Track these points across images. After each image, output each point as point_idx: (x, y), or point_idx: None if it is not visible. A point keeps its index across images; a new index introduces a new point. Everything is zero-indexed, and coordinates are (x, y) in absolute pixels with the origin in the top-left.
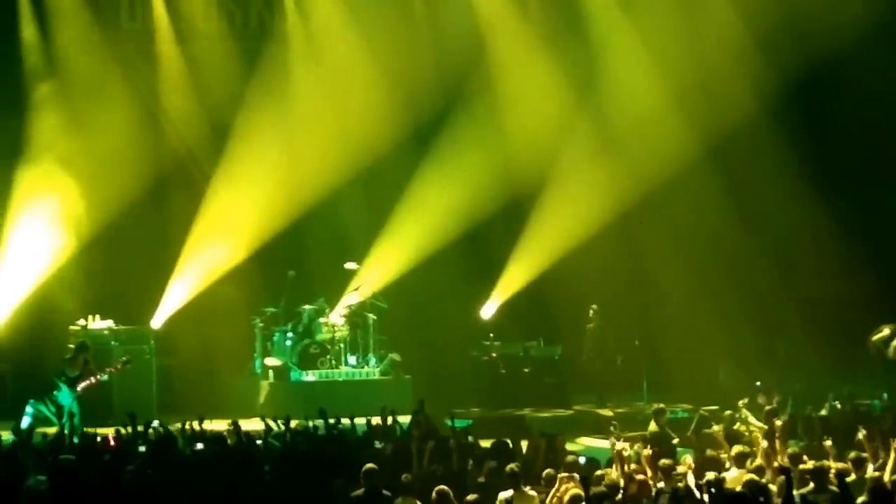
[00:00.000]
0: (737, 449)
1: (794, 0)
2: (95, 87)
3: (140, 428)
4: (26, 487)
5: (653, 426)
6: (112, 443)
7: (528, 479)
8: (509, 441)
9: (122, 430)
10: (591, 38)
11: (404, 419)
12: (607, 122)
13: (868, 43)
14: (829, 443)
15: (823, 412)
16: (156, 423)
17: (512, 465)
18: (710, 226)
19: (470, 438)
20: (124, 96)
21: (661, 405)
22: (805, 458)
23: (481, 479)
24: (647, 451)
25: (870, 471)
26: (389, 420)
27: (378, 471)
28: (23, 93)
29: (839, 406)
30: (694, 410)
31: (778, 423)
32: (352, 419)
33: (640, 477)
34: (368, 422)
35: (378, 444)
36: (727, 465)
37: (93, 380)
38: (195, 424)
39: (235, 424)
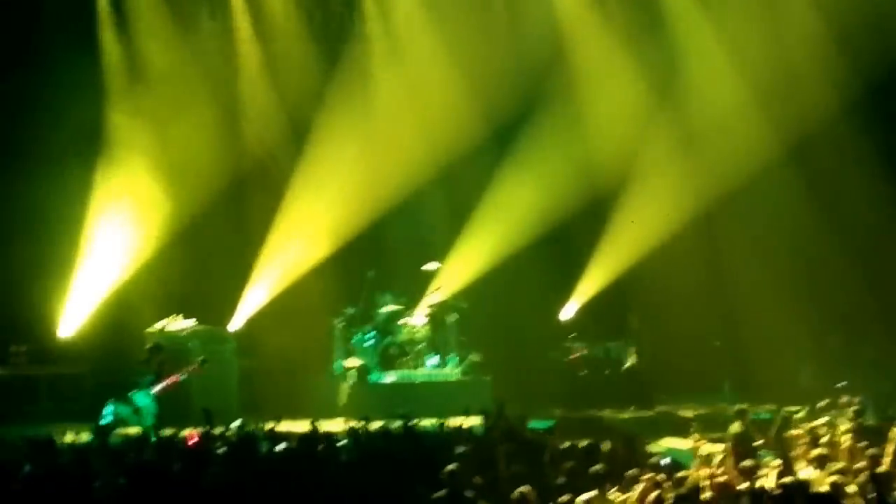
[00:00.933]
0: (818, 451)
1: None
2: (175, 86)
3: (219, 429)
4: (98, 487)
5: (735, 427)
6: (192, 441)
7: (609, 481)
8: (598, 443)
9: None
10: (671, 37)
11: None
12: (687, 121)
13: None
14: None
15: None
16: (236, 423)
17: (597, 467)
18: (793, 226)
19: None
20: (204, 95)
21: (744, 406)
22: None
23: (561, 480)
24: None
25: None
26: (470, 421)
27: (459, 472)
28: (103, 92)
29: None
30: (776, 412)
31: (862, 423)
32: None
33: (722, 479)
34: (441, 424)
35: (459, 448)
36: (809, 466)
37: (170, 381)
38: (274, 425)
39: (314, 426)
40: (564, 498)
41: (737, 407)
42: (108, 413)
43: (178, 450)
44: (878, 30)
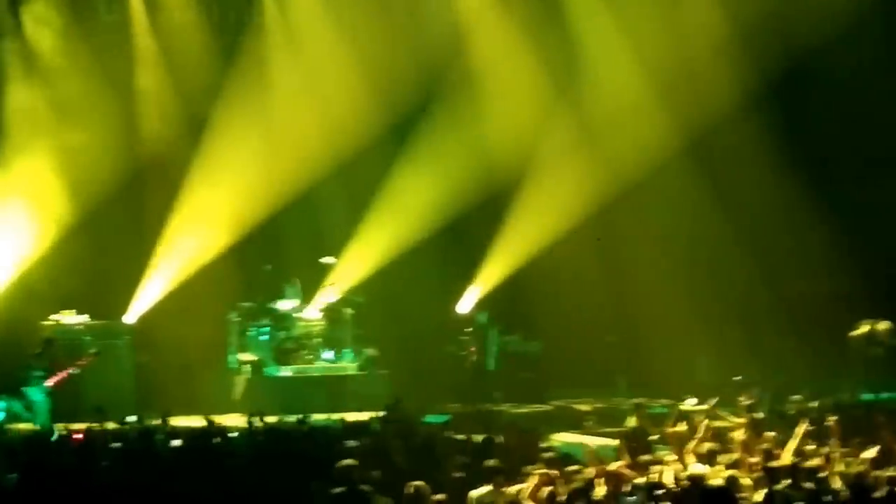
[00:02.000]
0: (709, 445)
1: None
2: (72, 78)
3: (113, 424)
4: None
5: (632, 421)
6: (78, 438)
7: (504, 475)
8: (493, 437)
9: (94, 427)
10: (571, 30)
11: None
12: (587, 115)
13: (849, 35)
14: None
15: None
16: (132, 418)
17: (491, 462)
18: (691, 220)
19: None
20: (101, 88)
21: (641, 400)
22: (778, 453)
23: (456, 475)
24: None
25: (842, 466)
26: (366, 416)
27: (355, 467)
28: None
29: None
30: (672, 406)
31: (756, 417)
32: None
33: (615, 471)
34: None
35: (351, 442)
36: (702, 460)
37: (63, 374)
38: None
39: (209, 421)
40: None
41: (633, 401)
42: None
43: (70, 447)
44: (776, 23)
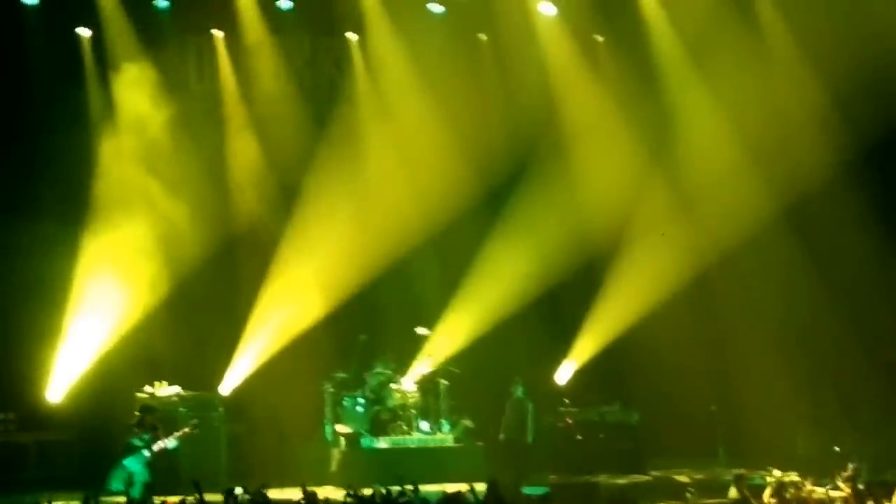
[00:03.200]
0: None
1: (873, 59)
2: (163, 149)
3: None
4: None
5: (733, 492)
6: None
7: None
8: None
9: (189, 499)
10: (665, 97)
11: (480, 487)
12: (682, 182)
13: None
14: None
15: None
16: (238, 490)
17: None
18: (788, 288)
19: None
20: (192, 158)
21: (742, 471)
22: None
23: None
24: None
25: None
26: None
27: None
28: (91, 155)
29: None
30: (782, 476)
31: (857, 487)
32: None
33: None
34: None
35: None
36: None
37: (160, 444)
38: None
39: (306, 492)
40: None
41: (733, 472)
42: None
43: None
44: (872, 89)
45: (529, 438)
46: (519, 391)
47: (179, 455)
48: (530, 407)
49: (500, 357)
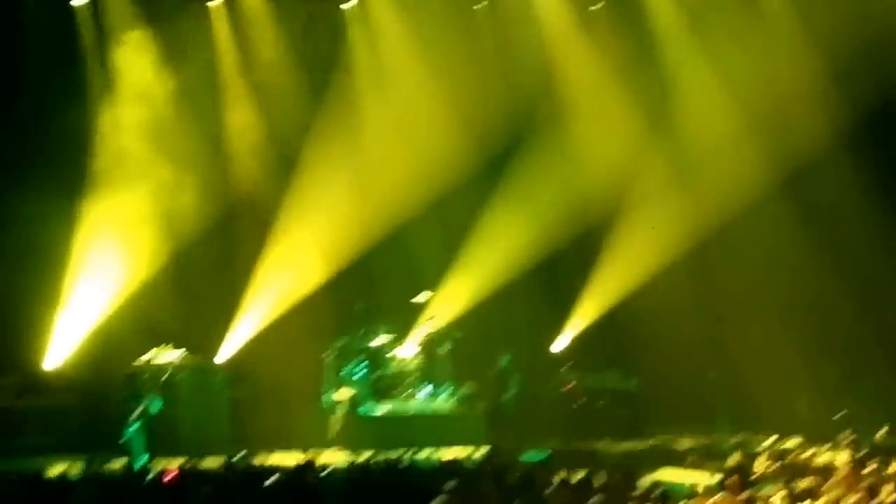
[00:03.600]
0: (808, 481)
1: (871, 29)
2: (161, 118)
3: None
4: None
5: (734, 458)
6: (170, 476)
7: None
8: (593, 475)
9: (189, 463)
10: (664, 66)
11: (478, 453)
12: (681, 151)
13: None
14: None
15: None
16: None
17: (592, 500)
18: (788, 255)
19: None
20: (192, 126)
21: (742, 437)
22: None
23: None
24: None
25: None
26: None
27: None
28: (89, 125)
29: None
30: (777, 442)
31: (858, 454)
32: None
33: None
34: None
35: (449, 483)
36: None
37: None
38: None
39: (306, 457)
40: None
41: (734, 439)
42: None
43: (163, 485)
44: (871, 59)
45: (510, 408)
46: (504, 361)
47: (180, 419)
48: (517, 377)
49: (500, 322)
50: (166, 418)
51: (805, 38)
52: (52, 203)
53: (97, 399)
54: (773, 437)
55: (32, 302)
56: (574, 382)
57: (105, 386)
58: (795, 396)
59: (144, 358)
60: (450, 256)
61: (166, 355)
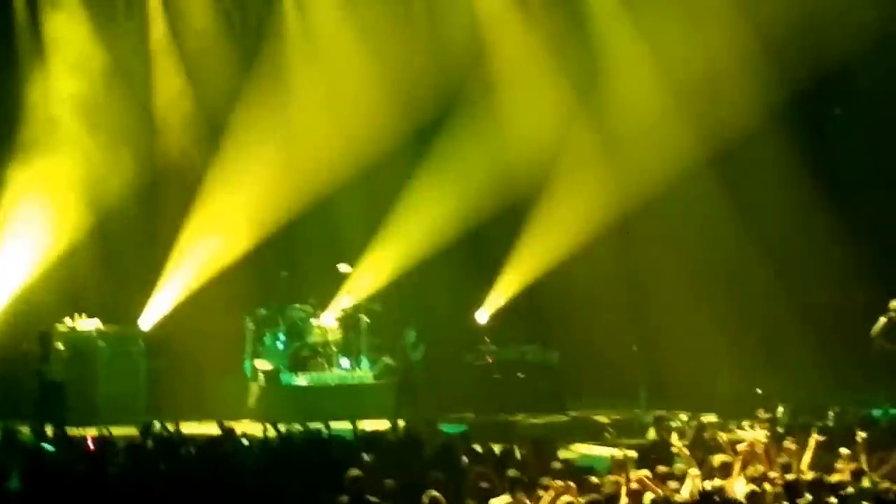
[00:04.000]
0: (722, 457)
1: (802, 6)
2: (88, 82)
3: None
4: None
5: (652, 434)
6: (90, 446)
7: (521, 487)
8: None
9: (105, 431)
10: (594, 39)
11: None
12: (608, 125)
13: (874, 50)
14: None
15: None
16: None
17: (511, 472)
18: (712, 232)
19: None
20: (118, 92)
21: (662, 412)
22: (798, 467)
23: (473, 486)
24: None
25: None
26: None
27: (363, 478)
28: (15, 86)
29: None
30: (692, 418)
31: (776, 430)
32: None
33: (635, 485)
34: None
35: (367, 456)
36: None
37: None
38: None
39: (223, 427)
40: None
41: (653, 413)
42: None
43: (80, 452)
44: (801, 34)
45: (416, 380)
46: (411, 336)
47: (97, 388)
48: (422, 349)
49: (422, 294)
50: (83, 386)
51: (736, 14)
52: None
53: (15, 365)
54: (689, 414)
55: None
56: (489, 359)
57: (21, 352)
58: (716, 371)
59: (64, 324)
60: (374, 227)
61: (85, 322)
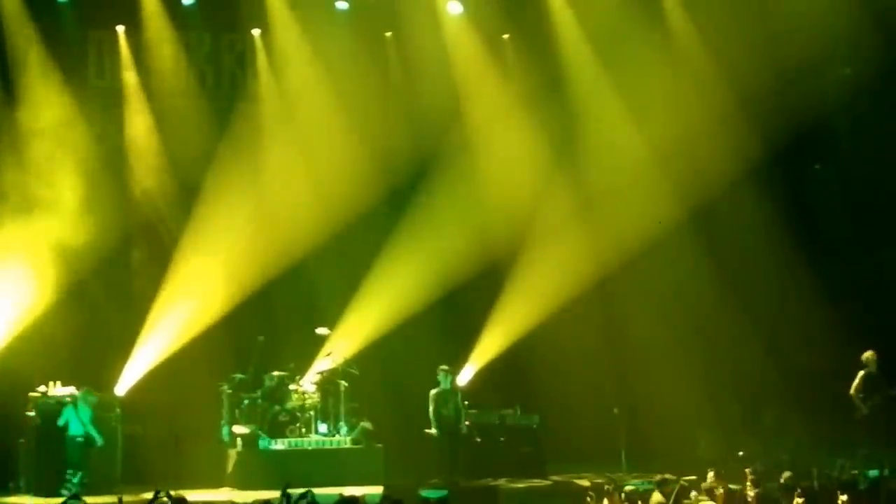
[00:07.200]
0: None
1: (780, 63)
2: (60, 143)
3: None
4: None
5: (657, 497)
6: None
7: None
8: None
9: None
10: (571, 97)
11: (376, 490)
12: (586, 184)
13: (853, 108)
14: None
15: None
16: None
17: None
18: (692, 292)
19: None
20: (91, 155)
21: (667, 475)
22: None
23: None
24: None
25: None
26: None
27: None
28: None
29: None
30: (674, 481)
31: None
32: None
33: None
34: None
35: None
36: None
37: None
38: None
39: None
40: None
41: (658, 477)
42: None
43: None
44: (779, 90)
45: (464, 430)
46: (448, 381)
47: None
48: (459, 398)
49: (400, 358)
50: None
51: (713, 68)
52: None
53: None
54: (662, 476)
55: None
56: (468, 422)
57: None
58: (698, 434)
59: (38, 391)
60: (352, 289)
61: (59, 389)
